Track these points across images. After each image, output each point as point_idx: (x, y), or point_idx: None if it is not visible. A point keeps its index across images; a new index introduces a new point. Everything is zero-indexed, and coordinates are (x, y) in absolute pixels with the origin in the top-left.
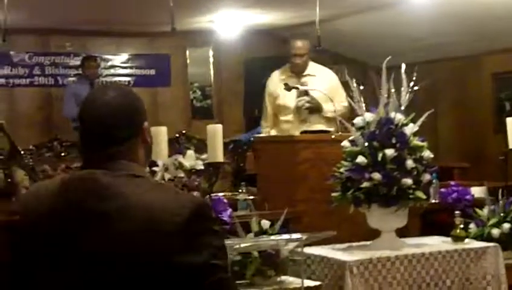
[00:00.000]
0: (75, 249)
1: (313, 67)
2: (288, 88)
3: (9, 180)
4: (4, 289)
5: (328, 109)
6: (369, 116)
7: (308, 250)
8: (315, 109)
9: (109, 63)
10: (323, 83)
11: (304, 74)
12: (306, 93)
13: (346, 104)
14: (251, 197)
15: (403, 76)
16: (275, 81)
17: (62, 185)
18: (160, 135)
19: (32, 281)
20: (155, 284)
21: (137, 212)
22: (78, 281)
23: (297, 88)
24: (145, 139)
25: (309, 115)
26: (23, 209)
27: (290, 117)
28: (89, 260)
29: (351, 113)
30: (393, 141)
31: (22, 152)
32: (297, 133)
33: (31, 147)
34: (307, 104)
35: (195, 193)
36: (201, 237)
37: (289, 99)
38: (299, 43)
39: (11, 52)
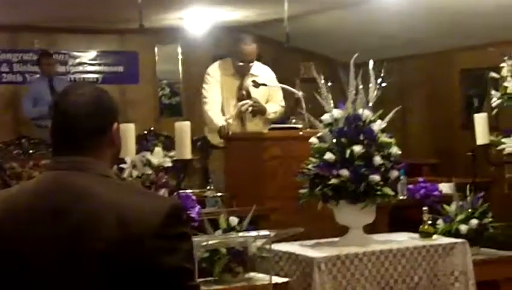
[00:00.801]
0: (46, 250)
1: (255, 67)
2: (256, 85)
3: None
4: None
5: (271, 110)
6: (337, 113)
7: (276, 247)
8: (258, 111)
9: (77, 60)
10: (265, 82)
11: (247, 74)
12: (248, 96)
13: (283, 103)
14: (219, 194)
15: (371, 72)
16: (219, 74)
17: (37, 187)
18: (128, 131)
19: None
20: (125, 287)
21: (109, 214)
22: (49, 282)
23: (265, 85)
24: (113, 141)
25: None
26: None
27: (228, 115)
28: (61, 262)
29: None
30: (361, 137)
31: None
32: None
33: None
34: (250, 108)
35: (163, 191)
36: (174, 240)
37: (227, 97)
38: (249, 49)
39: None
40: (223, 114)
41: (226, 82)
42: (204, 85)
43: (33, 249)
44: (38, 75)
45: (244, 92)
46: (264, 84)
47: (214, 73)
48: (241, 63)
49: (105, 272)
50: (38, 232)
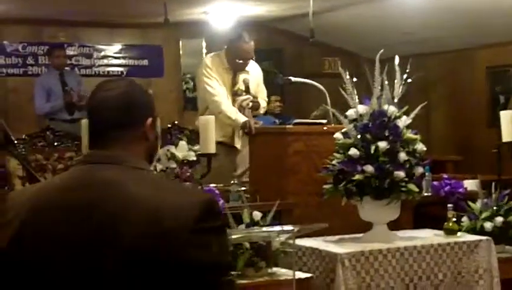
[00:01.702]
0: (77, 244)
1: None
2: (288, 81)
3: (2, 169)
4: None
5: (262, 105)
6: (362, 109)
7: (300, 242)
8: (255, 107)
9: (102, 53)
10: (255, 78)
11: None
12: (247, 90)
13: (267, 99)
14: (243, 188)
15: (396, 68)
16: (216, 67)
17: (67, 181)
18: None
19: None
20: (161, 282)
21: (142, 209)
22: (80, 276)
23: (290, 80)
24: (146, 135)
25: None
26: (27, 206)
27: None
28: (92, 256)
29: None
30: (386, 133)
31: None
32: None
33: (23, 136)
34: (251, 104)
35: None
36: (209, 235)
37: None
38: (249, 47)
39: (5, 42)
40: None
41: (221, 76)
42: (205, 79)
43: (64, 243)
44: (46, 69)
45: (244, 87)
46: (289, 80)
47: (213, 64)
48: (240, 61)
49: (138, 268)
50: (70, 227)
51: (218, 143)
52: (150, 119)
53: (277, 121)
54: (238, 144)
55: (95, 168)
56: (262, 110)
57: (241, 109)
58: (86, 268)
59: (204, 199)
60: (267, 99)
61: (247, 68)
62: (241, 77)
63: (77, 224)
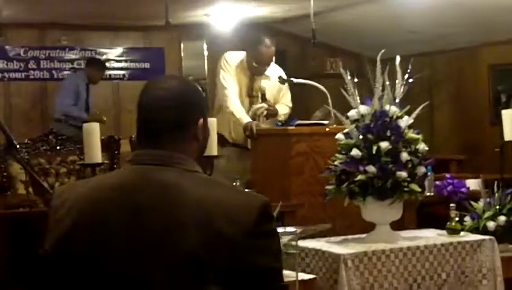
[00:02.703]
0: (132, 247)
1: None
2: (282, 81)
3: (5, 174)
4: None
5: (282, 112)
6: (363, 109)
7: (303, 243)
8: (271, 114)
9: (104, 57)
10: (276, 84)
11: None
12: (263, 98)
13: (291, 104)
14: (246, 190)
15: (398, 68)
16: (236, 65)
17: (121, 182)
18: None
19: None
20: (216, 287)
21: (198, 212)
22: (135, 281)
23: (291, 81)
24: (197, 136)
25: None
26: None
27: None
28: (147, 261)
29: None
30: (388, 133)
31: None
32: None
33: (26, 140)
34: (265, 112)
35: None
36: (267, 239)
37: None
38: (269, 52)
39: (7, 47)
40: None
41: (238, 76)
42: (222, 72)
43: (117, 245)
44: (72, 71)
45: (259, 94)
46: (291, 80)
47: (233, 62)
48: (257, 65)
49: (195, 272)
50: (124, 228)
51: (232, 145)
52: (201, 120)
53: (278, 123)
54: (250, 146)
55: (150, 169)
56: (282, 117)
57: (256, 117)
58: (138, 270)
59: (261, 202)
60: (290, 105)
61: (268, 73)
62: (259, 83)
63: (131, 226)
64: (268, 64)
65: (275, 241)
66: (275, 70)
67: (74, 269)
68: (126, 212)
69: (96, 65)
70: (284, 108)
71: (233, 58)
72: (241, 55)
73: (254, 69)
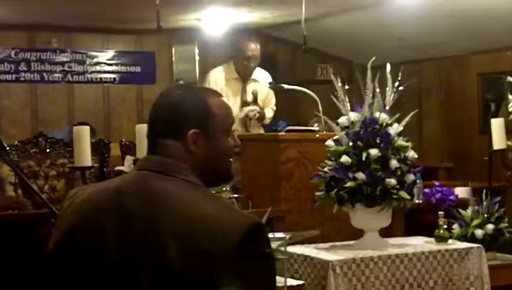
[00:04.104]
0: (113, 255)
1: (256, 72)
2: (273, 87)
3: None
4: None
5: (268, 115)
6: (353, 116)
7: (292, 249)
8: (261, 117)
9: (95, 60)
10: (265, 88)
11: (250, 78)
12: (255, 101)
13: (275, 108)
14: (235, 195)
15: (388, 76)
16: (221, 79)
17: (120, 186)
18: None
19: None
20: None
21: (187, 225)
22: (117, 284)
23: (282, 87)
24: (188, 147)
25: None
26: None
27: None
28: (123, 270)
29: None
30: (378, 141)
31: (7, 148)
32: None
33: (16, 142)
34: (258, 114)
35: None
36: (252, 262)
37: (229, 100)
38: (253, 45)
39: None
40: None
41: (230, 85)
42: None
43: (109, 248)
44: None
45: (252, 97)
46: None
47: (216, 78)
48: (246, 62)
49: (175, 285)
50: (114, 232)
51: None
52: (191, 132)
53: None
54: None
55: (147, 176)
56: (268, 121)
57: (247, 119)
58: (124, 276)
59: (250, 223)
60: (274, 108)
61: (256, 78)
62: (251, 86)
63: (123, 229)
64: (255, 58)
65: (263, 264)
66: (263, 75)
67: (72, 267)
68: (121, 216)
69: None
70: (270, 112)
71: (219, 73)
72: (230, 64)
73: (245, 69)
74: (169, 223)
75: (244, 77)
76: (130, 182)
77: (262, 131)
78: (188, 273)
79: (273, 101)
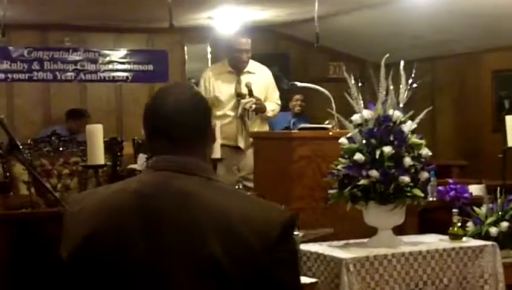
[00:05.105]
0: (150, 258)
1: (251, 65)
2: (288, 86)
3: (7, 174)
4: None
5: (269, 108)
6: (367, 114)
7: (305, 247)
8: (260, 109)
9: (107, 58)
10: (262, 80)
11: (244, 71)
12: (250, 93)
13: (280, 102)
14: (248, 193)
15: (402, 73)
16: (209, 76)
17: (143, 188)
18: None
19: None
20: None
21: (220, 223)
22: (151, 285)
23: (295, 84)
24: (212, 140)
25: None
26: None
27: (226, 111)
28: (164, 272)
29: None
30: (391, 138)
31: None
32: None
33: (29, 141)
34: (254, 106)
35: None
36: (289, 254)
37: (223, 93)
38: (243, 39)
39: (10, 48)
40: (221, 109)
41: (223, 78)
42: (200, 88)
43: (137, 250)
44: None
45: (247, 89)
46: (295, 84)
47: (207, 76)
48: (238, 54)
49: (216, 277)
50: (143, 233)
51: (222, 145)
52: (211, 129)
53: (292, 120)
54: (241, 144)
55: (172, 177)
56: (270, 113)
57: (245, 111)
58: (159, 275)
59: (286, 218)
60: (279, 102)
61: (252, 70)
62: (245, 78)
63: (154, 232)
64: (245, 56)
65: (296, 256)
66: (258, 67)
67: (95, 274)
68: (147, 218)
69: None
70: (272, 105)
71: (207, 73)
72: (220, 63)
73: (237, 62)
74: (204, 221)
75: (238, 69)
76: (151, 184)
77: (266, 126)
78: (230, 265)
79: (276, 94)
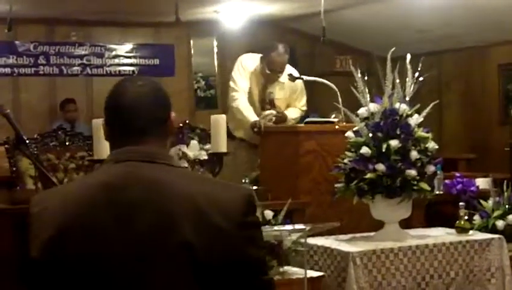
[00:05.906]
0: (127, 246)
1: (284, 74)
2: (292, 78)
3: (14, 169)
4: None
5: (291, 116)
6: (373, 107)
7: (312, 241)
8: (280, 120)
9: (113, 53)
10: (289, 87)
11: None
12: (271, 104)
13: (305, 108)
14: (254, 187)
15: (408, 67)
16: (253, 67)
17: (110, 180)
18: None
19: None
20: (210, 280)
21: (188, 206)
22: (132, 279)
23: (302, 78)
24: (171, 130)
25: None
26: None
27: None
28: (142, 258)
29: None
30: (398, 132)
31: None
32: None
33: (35, 136)
34: (274, 118)
35: None
36: (254, 229)
37: (252, 93)
38: (280, 60)
39: (16, 42)
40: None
41: (252, 82)
42: (234, 75)
43: (114, 242)
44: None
45: (268, 101)
46: (301, 78)
47: (248, 66)
48: (269, 72)
49: (190, 262)
50: (119, 225)
51: (241, 140)
52: (173, 116)
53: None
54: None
55: (138, 166)
56: (292, 122)
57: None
58: (134, 265)
59: (246, 193)
60: (304, 108)
61: (282, 80)
62: (273, 86)
63: (127, 222)
64: (280, 72)
65: (260, 231)
66: (287, 72)
67: (68, 271)
68: (118, 210)
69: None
70: (295, 112)
71: (249, 63)
72: (257, 59)
73: (267, 76)
74: (174, 207)
75: (268, 78)
76: (118, 175)
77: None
78: (204, 249)
79: (303, 101)
